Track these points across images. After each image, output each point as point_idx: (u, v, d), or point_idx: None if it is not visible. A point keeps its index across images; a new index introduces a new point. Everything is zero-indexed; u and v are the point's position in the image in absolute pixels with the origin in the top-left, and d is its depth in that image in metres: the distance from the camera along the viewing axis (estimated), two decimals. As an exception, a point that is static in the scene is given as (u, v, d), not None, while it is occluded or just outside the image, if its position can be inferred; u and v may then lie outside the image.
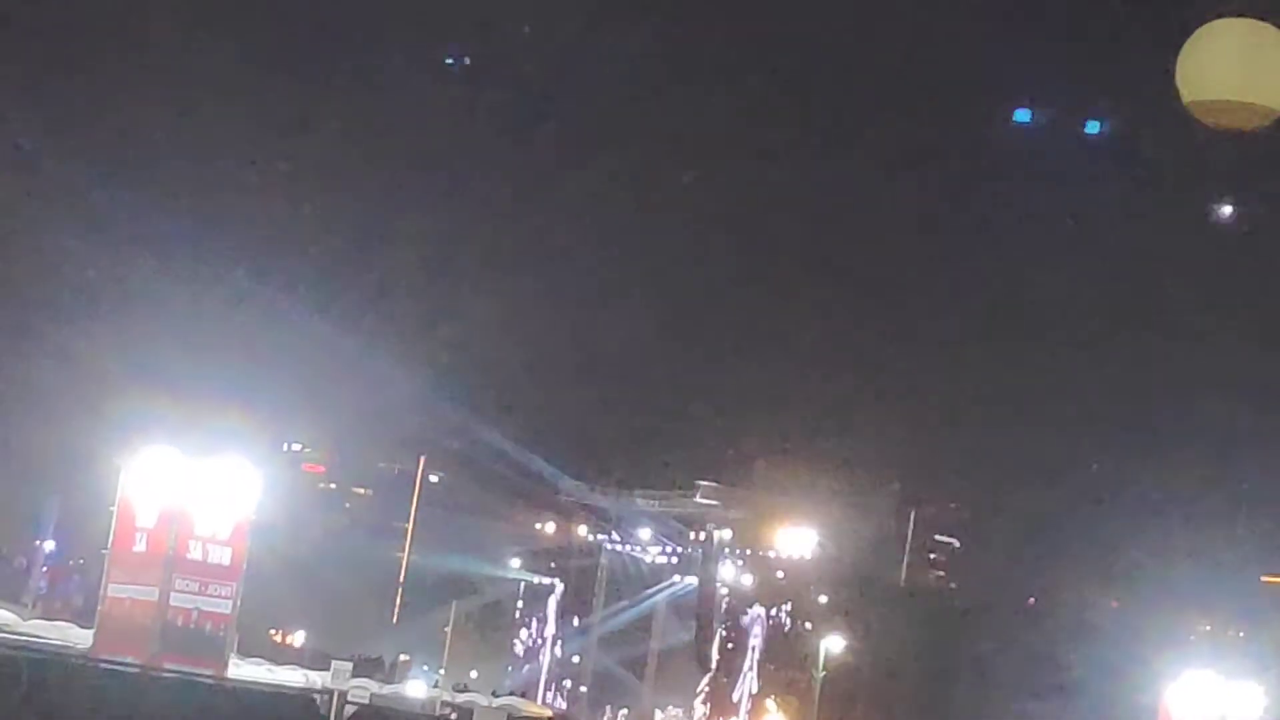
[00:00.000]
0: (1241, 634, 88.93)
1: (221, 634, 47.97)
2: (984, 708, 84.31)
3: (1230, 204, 70.89)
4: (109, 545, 49.31)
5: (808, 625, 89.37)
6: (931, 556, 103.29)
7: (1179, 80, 21.97)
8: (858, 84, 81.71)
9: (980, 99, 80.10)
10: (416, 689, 75.92)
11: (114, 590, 48.64)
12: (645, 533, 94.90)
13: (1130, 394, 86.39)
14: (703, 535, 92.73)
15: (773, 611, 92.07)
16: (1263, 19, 21.80)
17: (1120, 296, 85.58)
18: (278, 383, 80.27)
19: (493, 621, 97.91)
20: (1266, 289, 76.72)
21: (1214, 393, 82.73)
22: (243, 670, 53.36)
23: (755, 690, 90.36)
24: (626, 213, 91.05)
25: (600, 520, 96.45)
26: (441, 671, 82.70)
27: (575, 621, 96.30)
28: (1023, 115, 78.04)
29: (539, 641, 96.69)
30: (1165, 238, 78.65)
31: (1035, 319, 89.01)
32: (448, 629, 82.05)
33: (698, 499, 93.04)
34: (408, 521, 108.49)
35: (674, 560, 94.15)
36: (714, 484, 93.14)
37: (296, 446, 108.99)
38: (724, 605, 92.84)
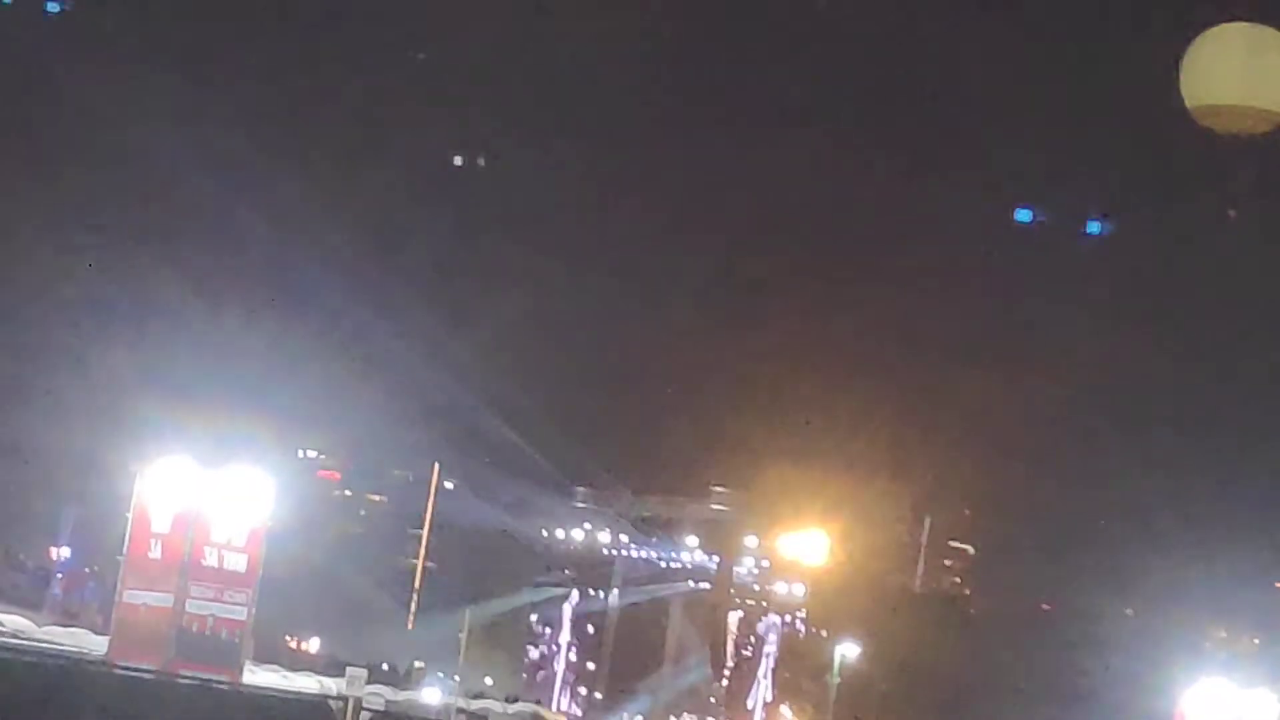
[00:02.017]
0: (1257, 640, 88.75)
1: (237, 640, 47.83)
2: (999, 714, 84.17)
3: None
4: (124, 552, 49.25)
5: (822, 631, 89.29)
6: (946, 563, 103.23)
7: (1183, 85, 21.97)
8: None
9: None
10: (432, 695, 75.87)
11: (129, 597, 48.52)
12: (659, 538, 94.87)
13: (1144, 402, 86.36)
14: (717, 541, 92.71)
15: (787, 618, 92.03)
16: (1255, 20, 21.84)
17: (1132, 306, 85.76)
18: (293, 390, 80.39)
19: (507, 628, 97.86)
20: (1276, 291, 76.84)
21: (1229, 401, 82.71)
22: (258, 677, 53.30)
23: (770, 696, 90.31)
24: (641, 222, 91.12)
25: (614, 526, 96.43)
26: (456, 678, 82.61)
27: (589, 628, 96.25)
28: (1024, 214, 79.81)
29: (553, 648, 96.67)
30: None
31: (1047, 327, 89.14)
32: (462, 635, 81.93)
33: (712, 505, 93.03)
34: (422, 528, 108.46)
35: (688, 566, 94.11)
36: (728, 490, 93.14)
37: (312, 453, 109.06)
38: (738, 611, 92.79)
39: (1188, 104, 21.99)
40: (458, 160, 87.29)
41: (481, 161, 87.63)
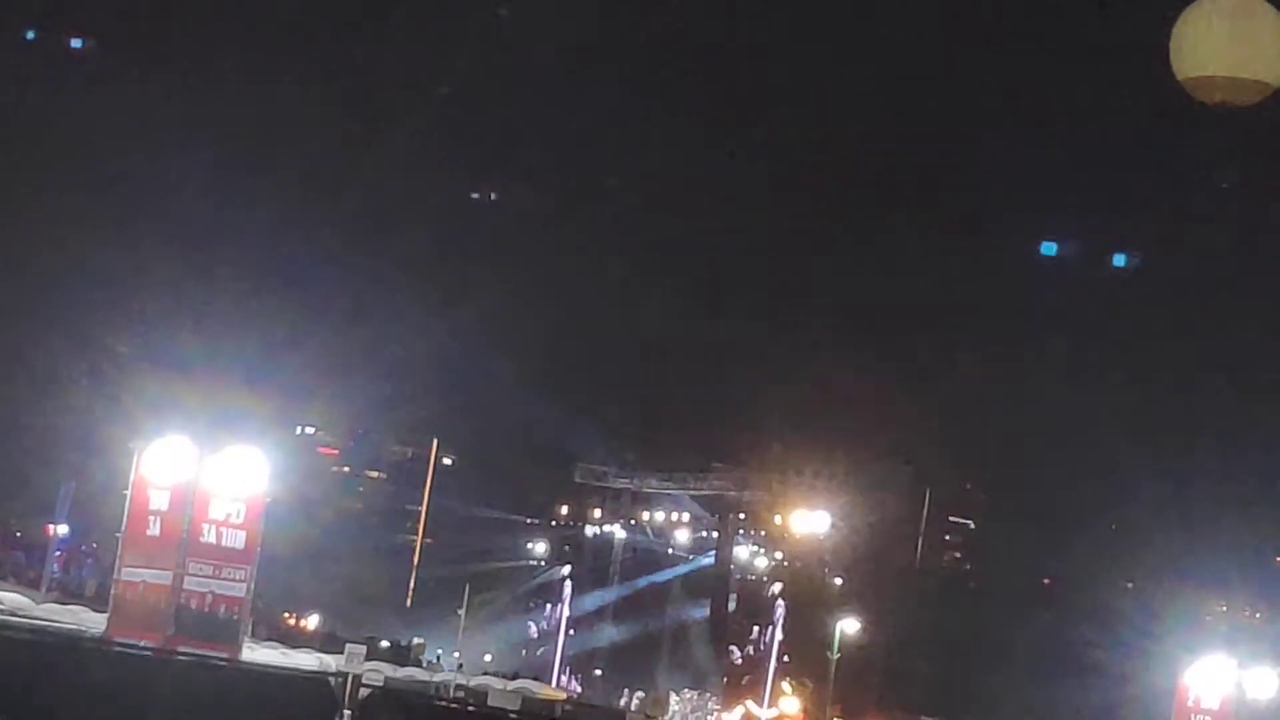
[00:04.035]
0: (1258, 615, 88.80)
1: (235, 617, 47.83)
2: (1000, 689, 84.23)
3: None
4: (122, 529, 49.21)
5: (823, 607, 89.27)
6: (946, 538, 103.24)
7: (1172, 58, 21.87)
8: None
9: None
10: (431, 672, 75.90)
11: (127, 574, 48.50)
12: (660, 515, 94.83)
13: (1146, 375, 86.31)
14: (717, 517, 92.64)
15: (787, 593, 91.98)
16: None
17: (1136, 285, 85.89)
18: (292, 367, 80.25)
19: (507, 605, 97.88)
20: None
21: (1230, 373, 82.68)
22: (257, 653, 53.27)
23: (770, 671, 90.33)
24: (642, 195, 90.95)
25: (615, 503, 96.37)
26: (456, 654, 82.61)
27: (590, 604, 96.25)
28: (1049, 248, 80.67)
29: (553, 624, 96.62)
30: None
31: (1048, 302, 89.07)
32: (461, 612, 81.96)
33: (713, 481, 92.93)
34: (421, 505, 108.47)
35: (689, 542, 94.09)
36: (729, 466, 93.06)
37: (310, 430, 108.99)
38: (739, 587, 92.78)
39: (1177, 77, 21.88)
40: (460, 140, 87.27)
41: (484, 142, 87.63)
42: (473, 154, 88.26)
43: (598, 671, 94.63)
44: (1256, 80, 21.63)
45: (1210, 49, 21.61)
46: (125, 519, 48.88)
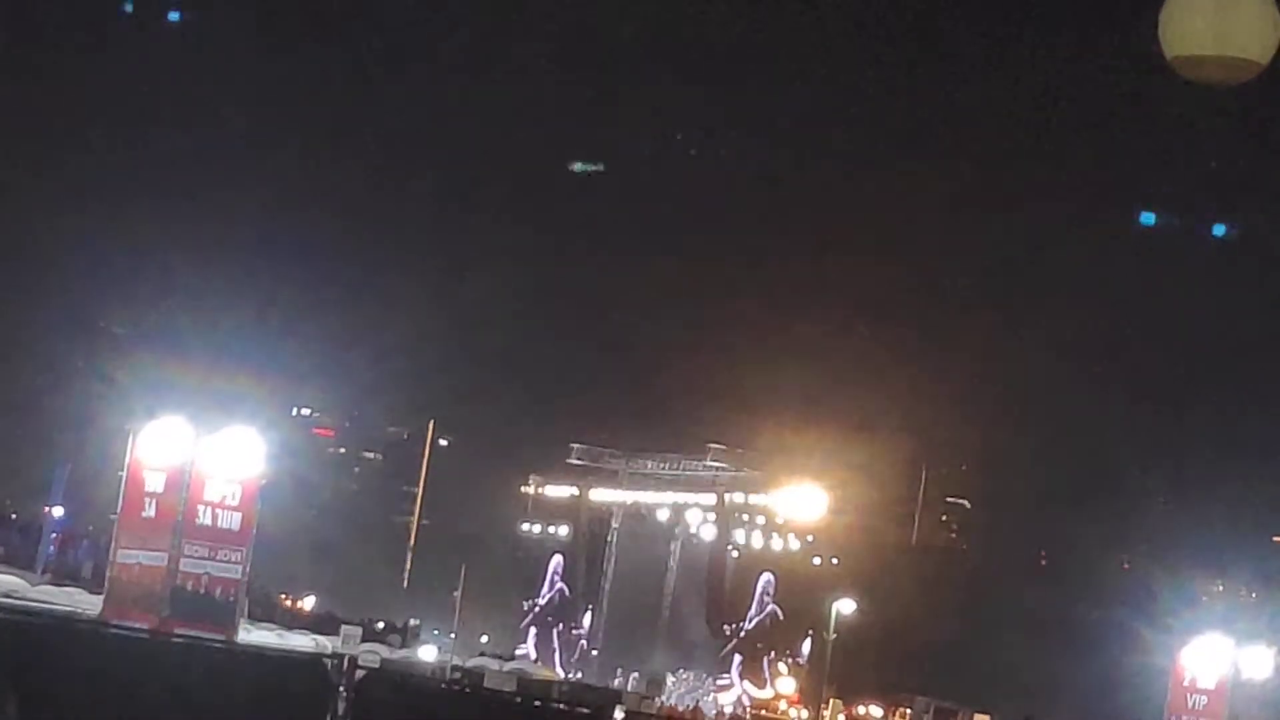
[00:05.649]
0: (1255, 595, 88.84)
1: (231, 599, 47.82)
2: (996, 668, 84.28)
3: None
4: (118, 510, 49.17)
5: (819, 587, 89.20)
6: (943, 517, 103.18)
7: (1160, 37, 21.90)
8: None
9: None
10: (427, 653, 75.97)
11: (123, 556, 48.46)
12: (656, 496, 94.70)
13: (1142, 354, 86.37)
14: (713, 498, 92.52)
15: (783, 573, 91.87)
16: None
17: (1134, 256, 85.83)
18: (288, 348, 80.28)
19: (503, 586, 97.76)
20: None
21: (1227, 354, 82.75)
22: (253, 635, 53.32)
23: (769, 653, 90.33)
24: (636, 174, 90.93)
25: (611, 484, 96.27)
26: (452, 636, 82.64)
27: (586, 585, 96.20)
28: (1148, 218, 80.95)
29: (549, 605, 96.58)
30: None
31: (1045, 278, 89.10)
32: (458, 593, 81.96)
33: (708, 461, 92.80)
34: (417, 486, 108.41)
35: (684, 523, 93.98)
36: (724, 446, 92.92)
37: (306, 411, 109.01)
38: (735, 567, 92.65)
39: (1166, 57, 21.91)
40: (457, 121, 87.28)
41: (479, 123, 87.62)
42: (469, 138, 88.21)
43: (594, 652, 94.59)
44: (1244, 58, 21.65)
45: (1197, 28, 21.64)
46: (121, 501, 48.85)
